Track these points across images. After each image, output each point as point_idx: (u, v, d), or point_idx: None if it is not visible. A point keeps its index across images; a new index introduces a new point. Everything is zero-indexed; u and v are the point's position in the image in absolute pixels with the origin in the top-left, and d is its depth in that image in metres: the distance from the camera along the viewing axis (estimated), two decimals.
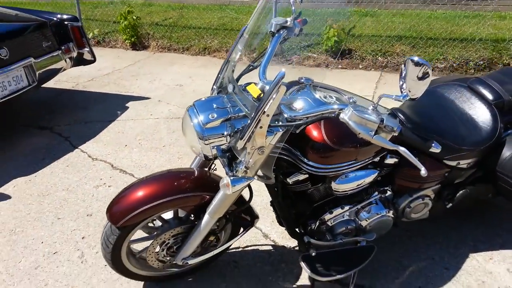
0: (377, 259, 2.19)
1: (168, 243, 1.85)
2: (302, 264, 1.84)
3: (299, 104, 1.66)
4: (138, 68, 5.58)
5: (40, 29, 3.70)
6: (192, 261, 1.85)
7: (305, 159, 1.68)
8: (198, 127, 1.59)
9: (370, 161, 1.80)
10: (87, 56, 4.23)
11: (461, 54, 5.10)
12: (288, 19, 1.86)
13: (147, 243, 1.86)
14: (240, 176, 1.56)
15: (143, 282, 2.07)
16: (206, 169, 1.98)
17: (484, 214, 2.46)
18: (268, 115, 1.42)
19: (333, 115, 1.52)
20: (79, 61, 4.21)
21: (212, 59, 5.90)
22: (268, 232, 2.42)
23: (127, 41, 6.49)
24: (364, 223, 1.97)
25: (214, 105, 1.64)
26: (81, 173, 3.08)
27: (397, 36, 5.68)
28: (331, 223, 1.96)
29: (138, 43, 6.50)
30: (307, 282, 2.05)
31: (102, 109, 4.24)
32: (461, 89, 2.12)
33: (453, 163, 1.98)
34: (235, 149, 1.55)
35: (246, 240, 2.36)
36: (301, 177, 1.79)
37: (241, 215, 1.94)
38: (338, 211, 1.94)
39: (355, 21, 6.64)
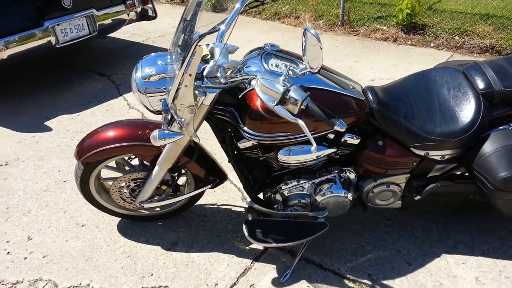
0: (340, 239, 2.15)
1: (130, 185, 2.04)
2: (243, 226, 1.90)
3: (240, 69, 1.68)
4: (206, 28, 5.79)
5: None
6: (147, 205, 2.02)
7: (241, 124, 1.70)
8: (137, 80, 1.70)
9: (316, 136, 1.74)
10: (150, 12, 4.54)
11: None
12: None
13: None
14: (171, 131, 1.65)
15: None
16: None
17: (482, 217, 2.22)
18: (190, 75, 1.48)
19: (246, 81, 1.52)
20: (142, 16, 4.54)
21: (280, 25, 5.86)
22: (247, 196, 2.48)
23: (208, 2, 6.72)
24: (318, 199, 1.94)
25: (159, 62, 1.73)
26: (116, 117, 3.43)
27: (485, 14, 5.04)
28: (286, 194, 1.97)
29: (218, 5, 6.69)
30: (261, 248, 2.10)
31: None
32: (455, 73, 1.90)
33: (421, 153, 1.83)
34: (169, 105, 1.63)
35: (224, 199, 2.47)
36: (248, 143, 1.81)
37: (203, 173, 2.03)
38: (293, 183, 1.94)
39: None
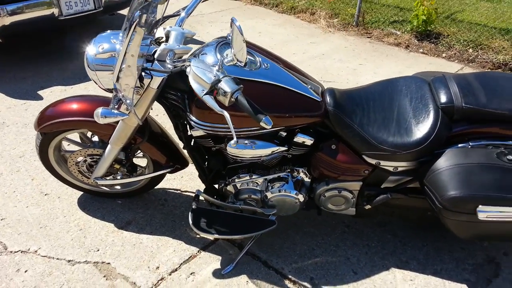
0: (292, 239, 2.12)
1: (86, 160, 2.06)
2: (189, 214, 1.90)
3: (193, 55, 1.66)
4: (220, 16, 5.78)
5: None
6: (101, 182, 2.04)
7: (188, 112, 1.69)
8: (87, 56, 1.70)
9: (267, 132, 1.71)
10: None
11: None
12: None
13: None
14: (115, 110, 1.65)
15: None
16: None
17: (445, 236, 2.15)
18: (132, 56, 1.47)
19: (185, 68, 1.50)
20: None
21: (295, 19, 5.79)
22: None
23: None
24: (268, 196, 1.91)
25: (112, 39, 1.72)
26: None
27: (504, 29, 4.85)
28: (238, 187, 1.95)
29: None
30: (211, 238, 2.10)
31: None
32: (421, 84, 1.83)
33: (373, 161, 1.77)
34: (114, 84, 1.63)
35: (189, 186, 2.47)
36: (200, 132, 1.79)
37: (160, 156, 2.03)
38: (245, 177, 1.91)
39: (469, 3, 5.82)
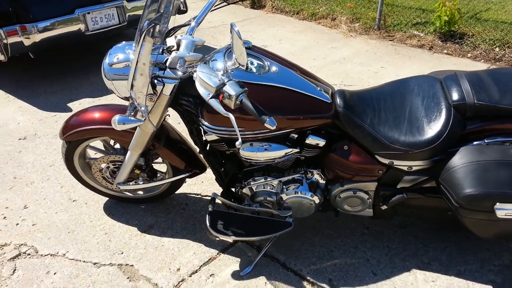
0: (310, 241, 2.13)
1: (109, 166, 2.15)
2: (207, 217, 1.94)
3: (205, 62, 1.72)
4: (242, 25, 5.88)
5: None
6: (123, 187, 2.12)
7: (200, 116, 1.74)
8: (104, 66, 1.79)
9: (279, 134, 1.75)
10: (181, 7, 4.67)
11: None
12: None
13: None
14: (131, 117, 1.72)
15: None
16: None
17: (469, 236, 2.10)
18: (144, 64, 1.55)
19: (192, 73, 1.55)
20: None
21: (316, 26, 5.81)
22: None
23: None
24: (284, 198, 1.94)
25: (127, 50, 1.80)
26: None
27: None
28: (254, 190, 1.99)
29: (256, 2, 6.76)
30: (231, 240, 2.13)
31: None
32: (433, 83, 1.81)
33: (386, 161, 1.77)
34: (129, 92, 1.71)
35: (209, 190, 2.52)
36: (213, 136, 1.84)
37: (177, 161, 2.10)
38: (260, 179, 1.95)
39: (496, 2, 5.68)
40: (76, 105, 3.60)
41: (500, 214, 1.56)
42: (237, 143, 1.38)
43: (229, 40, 1.41)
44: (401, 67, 4.34)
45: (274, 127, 1.37)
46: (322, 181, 1.94)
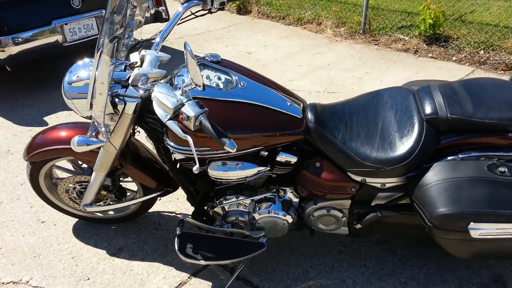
0: (286, 262, 2.05)
1: (75, 187, 2.07)
2: (176, 239, 1.86)
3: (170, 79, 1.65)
4: (227, 32, 5.81)
5: None
6: (90, 209, 2.03)
7: (165, 135, 1.67)
8: (64, 85, 1.71)
9: (248, 152, 1.67)
10: (163, 15, 4.61)
11: None
12: None
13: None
14: (93, 137, 1.64)
15: None
16: None
17: (448, 253, 2.03)
18: (102, 83, 1.46)
19: (149, 94, 1.47)
20: (156, 19, 4.61)
21: (302, 31, 5.74)
22: None
23: (233, 4, 6.73)
24: (256, 217, 1.86)
25: (88, 67, 1.72)
26: None
27: None
28: (225, 209, 1.91)
29: (243, 8, 6.69)
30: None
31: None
32: (407, 95, 1.74)
33: (358, 178, 1.70)
34: (89, 112, 1.63)
35: (184, 208, 2.44)
36: (180, 155, 1.77)
37: (147, 179, 2.02)
38: (232, 198, 1.87)
39: (481, 4, 5.65)
40: (53, 119, 3.51)
41: (474, 234, 1.49)
42: (194, 168, 1.30)
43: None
44: (385, 72, 4.28)
45: (234, 150, 1.29)
46: (295, 199, 1.86)
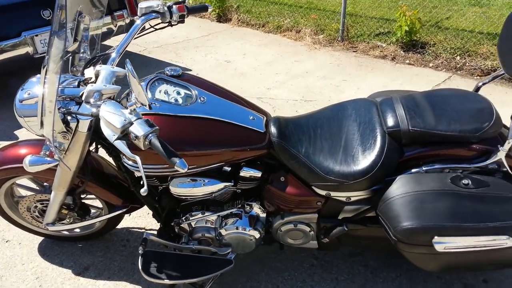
0: (256, 277, 2.01)
1: (37, 206, 2.00)
2: (139, 259, 1.80)
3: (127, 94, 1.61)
4: (207, 40, 5.78)
5: None
6: (52, 228, 1.96)
7: (121, 153, 1.62)
8: (15, 102, 1.65)
9: (211, 168, 1.63)
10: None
11: None
12: (159, 2, 1.74)
13: None
14: (46, 156, 1.58)
15: None
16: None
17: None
18: (50, 101, 1.41)
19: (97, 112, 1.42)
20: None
21: (281, 38, 5.74)
22: None
23: (213, 12, 6.71)
24: (223, 233, 1.82)
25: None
26: None
27: (492, 33, 4.72)
28: (192, 226, 1.86)
29: (222, 16, 6.67)
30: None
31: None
32: (370, 107, 1.73)
33: (323, 192, 1.67)
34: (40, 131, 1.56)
35: (154, 223, 2.38)
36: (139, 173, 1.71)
37: (110, 196, 1.96)
38: (198, 215, 1.82)
39: (457, 10, 5.71)
40: (24, 132, 3.42)
41: (439, 248, 1.47)
42: (141, 190, 1.25)
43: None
44: (363, 80, 4.29)
45: (185, 170, 1.25)
46: (262, 214, 1.83)
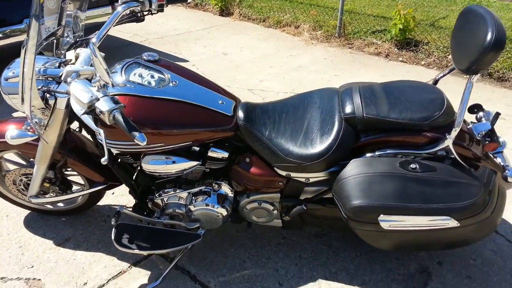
0: (225, 253, 2.13)
1: (22, 179, 2.13)
2: (113, 230, 1.93)
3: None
4: (207, 33, 5.89)
5: None
6: (36, 200, 2.09)
7: (97, 130, 1.73)
8: (1, 80, 1.78)
9: (180, 147, 1.74)
10: (138, 14, 4.68)
11: None
12: None
13: None
14: (27, 130, 1.71)
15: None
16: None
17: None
18: (30, 79, 1.53)
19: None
20: (130, 19, 4.69)
21: (280, 33, 5.84)
22: None
23: (216, 6, 6.82)
24: (192, 209, 1.94)
25: None
26: None
27: None
28: (164, 202, 1.98)
29: (225, 9, 6.77)
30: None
31: None
32: (333, 96, 1.83)
33: (284, 173, 1.78)
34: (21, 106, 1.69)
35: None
36: (114, 149, 1.83)
37: (90, 172, 2.09)
38: (170, 192, 1.94)
39: (455, 10, 5.76)
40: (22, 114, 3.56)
41: (384, 225, 1.57)
42: (102, 160, 1.38)
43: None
44: (354, 75, 4.37)
45: (144, 143, 1.36)
46: (230, 193, 1.94)
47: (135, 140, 1.36)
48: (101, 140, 1.71)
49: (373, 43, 5.09)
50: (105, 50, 1.85)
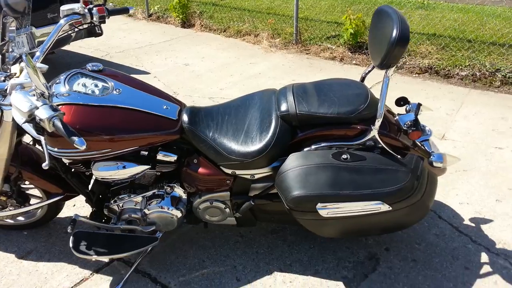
0: (184, 254, 2.21)
1: None
2: (70, 238, 1.99)
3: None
4: (168, 45, 5.99)
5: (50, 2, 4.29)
6: None
7: (37, 137, 1.80)
8: None
9: (128, 152, 1.83)
10: (96, 30, 4.75)
11: (496, 62, 4.36)
12: (79, 4, 1.94)
13: None
14: None
15: None
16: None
17: (333, 240, 2.25)
18: None
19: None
20: (89, 33, 4.75)
21: (241, 42, 6.00)
22: None
23: (177, 18, 6.93)
24: (147, 213, 2.02)
25: None
26: None
27: (432, 34, 5.06)
28: (119, 208, 2.06)
29: (186, 21, 6.89)
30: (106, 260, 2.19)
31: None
32: (271, 96, 1.97)
33: (229, 171, 1.90)
34: None
35: None
36: (65, 159, 1.90)
37: (45, 184, 2.14)
38: (125, 197, 2.02)
39: (404, 12, 6.06)
40: None
41: (323, 213, 1.71)
42: (43, 164, 1.46)
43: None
44: (310, 79, 4.51)
45: (83, 147, 1.44)
46: (183, 195, 2.04)
47: (74, 144, 1.44)
48: (57, 154, 1.79)
49: (328, 48, 5.31)
50: (66, 67, 1.93)
